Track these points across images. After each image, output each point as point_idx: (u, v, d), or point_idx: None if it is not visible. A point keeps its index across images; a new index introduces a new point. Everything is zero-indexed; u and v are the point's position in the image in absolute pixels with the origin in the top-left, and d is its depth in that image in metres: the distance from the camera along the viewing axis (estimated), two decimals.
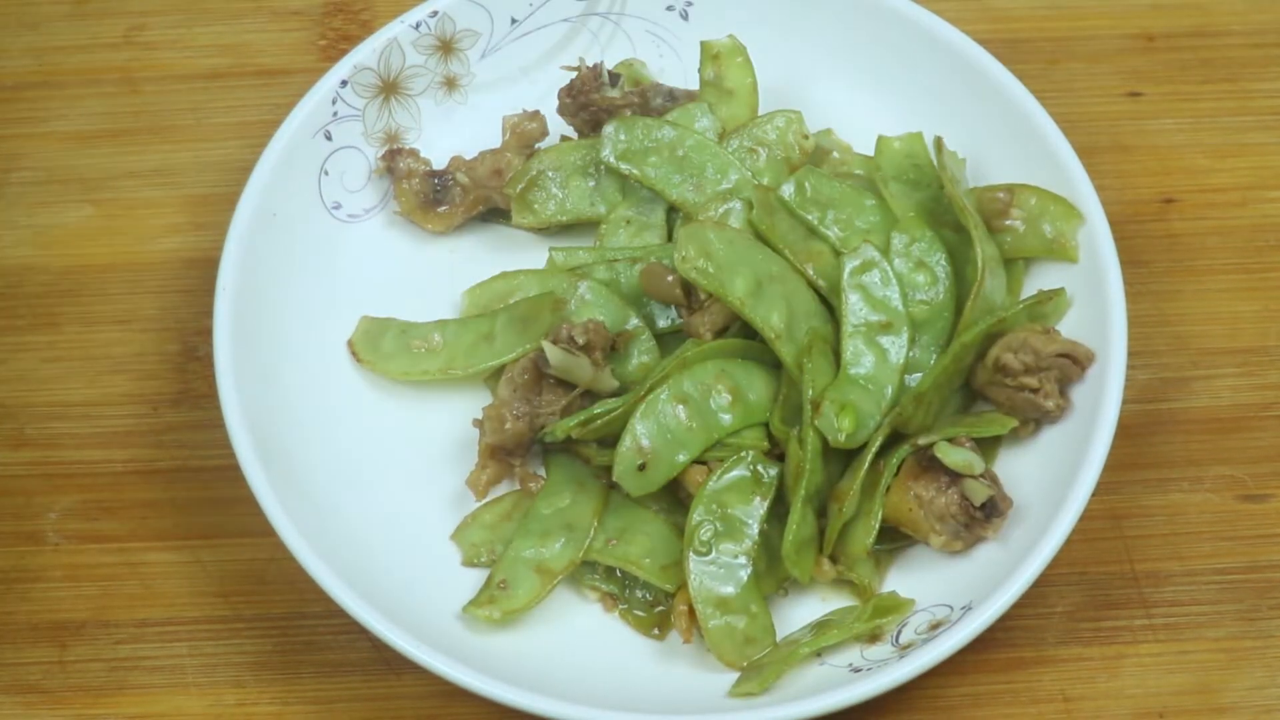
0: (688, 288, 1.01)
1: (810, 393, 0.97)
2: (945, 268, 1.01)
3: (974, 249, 0.99)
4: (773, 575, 0.97)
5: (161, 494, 1.04)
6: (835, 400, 0.97)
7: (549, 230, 1.09)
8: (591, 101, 1.08)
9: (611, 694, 0.93)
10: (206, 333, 1.03)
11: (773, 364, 1.00)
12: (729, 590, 0.96)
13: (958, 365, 0.99)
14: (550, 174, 1.07)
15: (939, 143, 1.03)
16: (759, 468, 0.98)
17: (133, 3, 1.21)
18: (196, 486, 1.04)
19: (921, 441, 0.97)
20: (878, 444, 0.97)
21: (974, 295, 0.99)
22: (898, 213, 1.03)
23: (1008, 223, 1.03)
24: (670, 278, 1.00)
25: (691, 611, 0.96)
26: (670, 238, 1.05)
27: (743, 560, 0.96)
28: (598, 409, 0.98)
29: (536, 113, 1.10)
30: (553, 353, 0.98)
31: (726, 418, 0.98)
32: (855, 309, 0.99)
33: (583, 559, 0.97)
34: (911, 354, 0.99)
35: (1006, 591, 0.92)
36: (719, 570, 0.96)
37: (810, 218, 1.02)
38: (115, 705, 0.98)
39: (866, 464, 0.96)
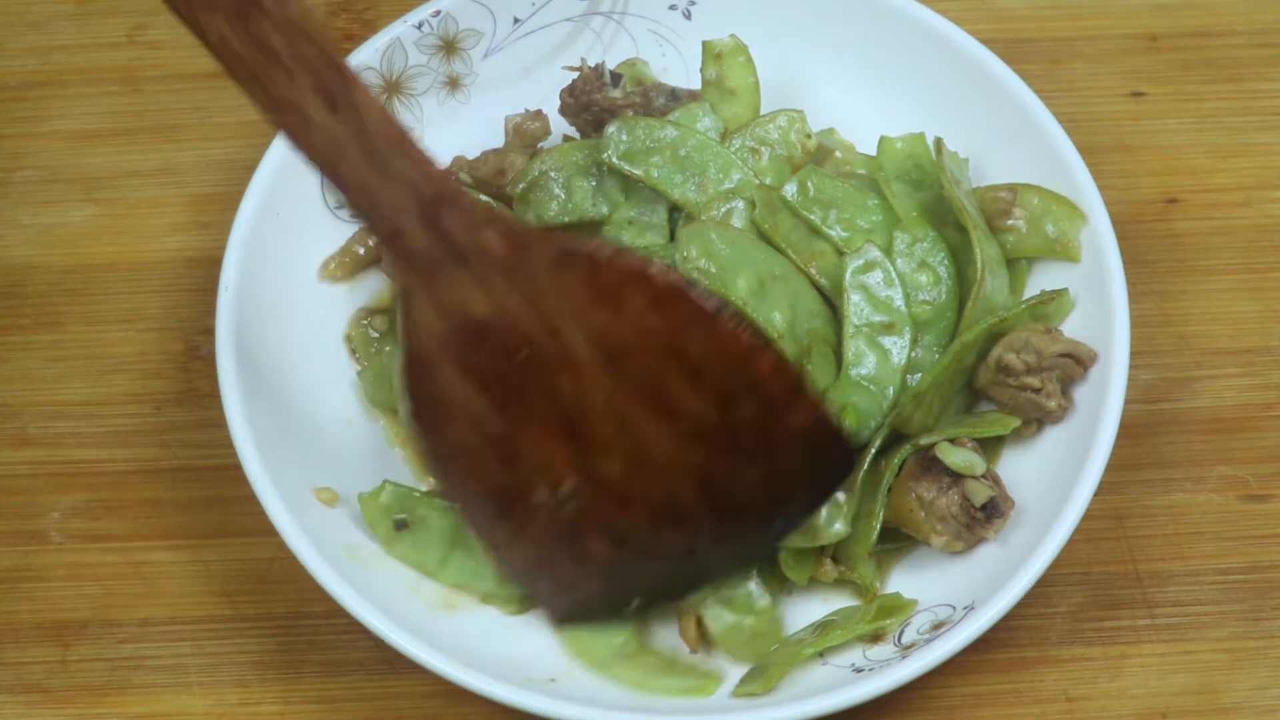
0: None
1: None
2: (948, 268, 1.01)
3: (974, 249, 0.99)
4: (776, 574, 0.97)
5: (164, 493, 1.04)
6: (836, 400, 0.97)
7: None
8: (594, 101, 1.08)
9: (615, 694, 0.93)
10: (209, 332, 1.03)
11: None
12: (736, 589, 0.96)
13: (958, 365, 0.98)
14: (552, 174, 1.07)
15: (939, 143, 1.03)
16: None
17: (136, 2, 1.21)
18: (199, 486, 1.04)
19: (923, 442, 0.97)
20: (878, 444, 0.97)
21: (974, 296, 0.99)
22: (900, 213, 1.03)
23: (1010, 222, 1.03)
24: None
25: (699, 618, 0.95)
26: (673, 238, 1.05)
27: None
28: None
29: (539, 112, 1.10)
30: None
31: None
32: (857, 309, 0.99)
33: None
34: (914, 354, 0.99)
35: (1009, 592, 0.92)
36: None
37: (813, 217, 1.02)
38: (118, 705, 0.98)
39: (866, 464, 0.96)
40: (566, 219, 1.07)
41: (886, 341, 0.99)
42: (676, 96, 1.09)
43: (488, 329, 0.78)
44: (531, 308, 0.77)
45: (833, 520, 0.94)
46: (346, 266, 1.06)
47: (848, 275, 1.00)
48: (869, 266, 1.00)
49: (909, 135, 1.06)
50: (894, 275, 1.00)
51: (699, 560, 0.85)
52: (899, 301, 0.99)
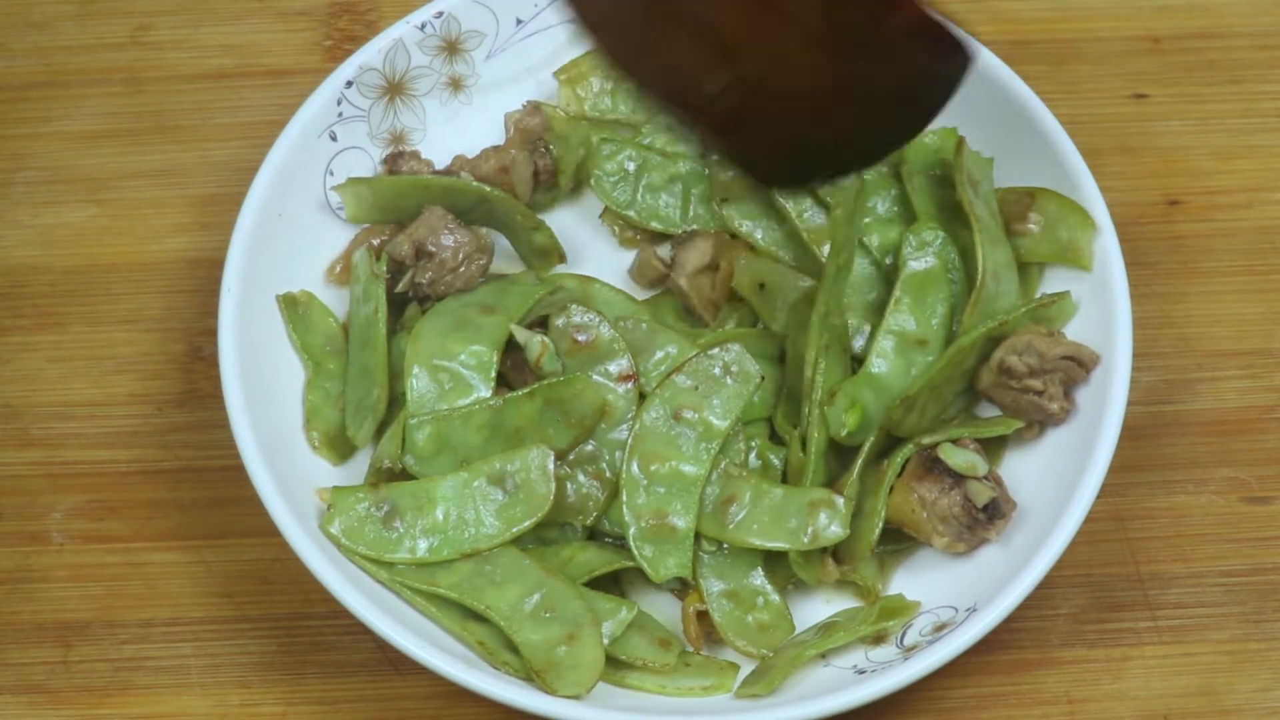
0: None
1: (819, 394, 0.97)
2: (956, 270, 1.01)
3: (976, 251, 0.99)
4: (780, 570, 0.97)
5: (166, 494, 1.04)
6: (848, 394, 0.97)
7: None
8: None
9: (616, 695, 0.93)
10: (211, 333, 1.03)
11: (777, 358, 1.00)
12: (739, 582, 0.96)
13: (954, 369, 0.98)
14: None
15: (960, 142, 1.02)
16: (768, 456, 0.98)
17: (138, 3, 1.21)
18: (201, 487, 1.04)
19: (925, 442, 0.97)
20: (868, 446, 0.97)
21: (974, 300, 0.98)
22: (918, 208, 1.02)
23: (1026, 226, 1.03)
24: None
25: (700, 616, 0.95)
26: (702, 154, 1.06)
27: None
28: None
29: (538, 106, 1.10)
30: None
31: None
32: (899, 314, 0.99)
33: None
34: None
35: (1011, 593, 0.92)
36: (727, 562, 0.96)
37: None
38: (119, 705, 0.98)
39: (860, 462, 0.96)
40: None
41: (912, 353, 0.99)
42: None
43: None
44: None
45: (831, 522, 0.95)
46: None
47: (901, 278, 1.00)
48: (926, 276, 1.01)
49: (941, 130, 1.04)
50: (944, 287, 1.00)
51: (853, 143, 0.92)
52: (938, 319, 0.99)
